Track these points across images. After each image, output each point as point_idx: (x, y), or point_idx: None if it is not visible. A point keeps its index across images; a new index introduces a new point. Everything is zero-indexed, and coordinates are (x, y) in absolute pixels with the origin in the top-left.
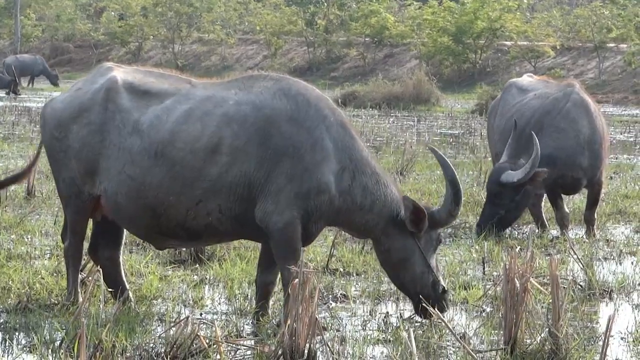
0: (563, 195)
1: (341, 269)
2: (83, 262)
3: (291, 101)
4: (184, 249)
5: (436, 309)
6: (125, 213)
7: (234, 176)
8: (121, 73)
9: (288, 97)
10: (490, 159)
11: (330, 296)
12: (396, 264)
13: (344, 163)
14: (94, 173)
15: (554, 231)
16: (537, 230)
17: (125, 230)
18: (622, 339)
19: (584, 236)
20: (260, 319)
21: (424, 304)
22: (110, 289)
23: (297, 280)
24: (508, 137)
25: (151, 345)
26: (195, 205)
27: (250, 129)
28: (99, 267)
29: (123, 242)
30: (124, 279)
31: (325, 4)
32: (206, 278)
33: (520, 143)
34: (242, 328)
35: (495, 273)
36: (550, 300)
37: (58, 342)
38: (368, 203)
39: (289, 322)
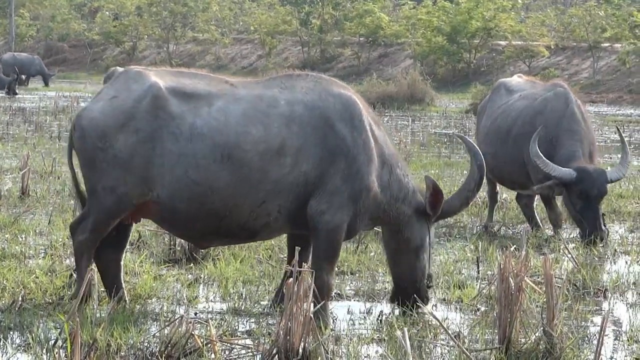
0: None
1: (335, 268)
2: None
3: (337, 100)
4: (179, 248)
5: (424, 299)
6: (182, 217)
7: (295, 176)
8: (159, 78)
9: (334, 96)
10: None
11: None
12: (412, 252)
13: (383, 158)
14: (145, 181)
15: (548, 231)
16: (531, 230)
17: (130, 232)
18: (616, 338)
19: (578, 235)
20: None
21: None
22: (108, 289)
23: (291, 279)
24: (494, 138)
25: (146, 344)
26: (258, 206)
27: (307, 129)
28: (98, 267)
29: (127, 244)
30: (122, 279)
31: (320, 4)
32: (201, 277)
33: (508, 143)
34: (236, 327)
35: (489, 272)
36: (545, 300)
37: (52, 342)
38: (402, 195)
39: (283, 321)
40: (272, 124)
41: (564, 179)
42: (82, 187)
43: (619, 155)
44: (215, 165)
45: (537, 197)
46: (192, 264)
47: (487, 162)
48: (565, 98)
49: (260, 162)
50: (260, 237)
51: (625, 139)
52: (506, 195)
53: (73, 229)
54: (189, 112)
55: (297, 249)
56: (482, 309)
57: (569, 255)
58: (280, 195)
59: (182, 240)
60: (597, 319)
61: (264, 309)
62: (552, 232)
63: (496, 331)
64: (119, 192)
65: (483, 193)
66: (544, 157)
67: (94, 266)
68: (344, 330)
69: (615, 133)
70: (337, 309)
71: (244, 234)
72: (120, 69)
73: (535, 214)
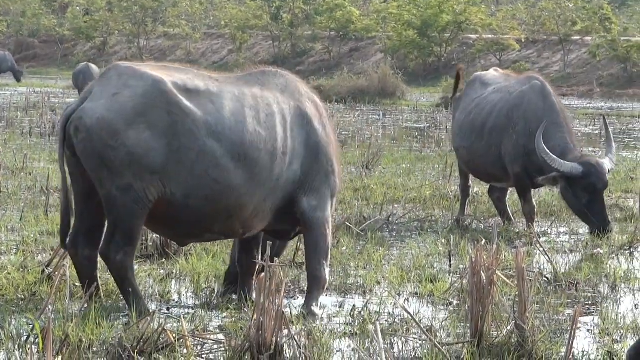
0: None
1: None
2: (49, 257)
3: (308, 98)
4: (151, 244)
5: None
6: (191, 216)
7: (288, 175)
8: (158, 73)
9: (303, 95)
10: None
11: (297, 290)
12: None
13: (334, 151)
14: (161, 177)
15: (520, 224)
16: (503, 224)
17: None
18: (588, 330)
19: (549, 229)
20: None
21: None
22: (83, 285)
23: (263, 274)
24: (468, 132)
25: (118, 339)
26: (259, 204)
27: (295, 128)
28: (74, 263)
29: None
30: (97, 275)
31: None
32: (173, 272)
33: (483, 136)
34: (208, 322)
35: (461, 266)
36: (517, 293)
37: (25, 338)
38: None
39: (255, 315)
40: (273, 124)
41: (572, 174)
42: (70, 190)
43: (590, 148)
44: (232, 163)
45: (509, 190)
46: (164, 260)
47: (462, 156)
48: (543, 91)
49: (269, 162)
50: (248, 233)
51: (598, 132)
52: (478, 188)
53: (104, 253)
54: (198, 109)
55: (269, 243)
56: (454, 302)
57: (541, 249)
58: (275, 193)
59: (156, 235)
60: (569, 312)
61: (236, 304)
62: (524, 226)
63: (468, 325)
64: (136, 189)
65: (455, 187)
66: (550, 153)
67: (66, 262)
68: (316, 325)
69: (587, 126)
70: None
71: (239, 231)
72: (92, 65)
73: (507, 207)
